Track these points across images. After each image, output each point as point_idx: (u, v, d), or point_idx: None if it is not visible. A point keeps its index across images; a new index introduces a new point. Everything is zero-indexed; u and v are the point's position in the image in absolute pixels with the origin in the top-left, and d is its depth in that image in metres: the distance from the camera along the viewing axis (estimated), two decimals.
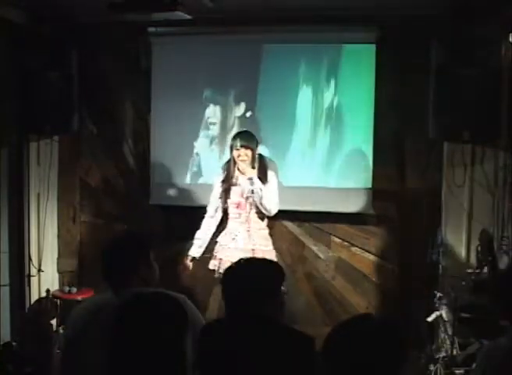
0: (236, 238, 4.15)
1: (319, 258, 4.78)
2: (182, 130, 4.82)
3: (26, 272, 4.78)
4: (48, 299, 4.74)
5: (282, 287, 2.24)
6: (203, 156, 4.86)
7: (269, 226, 4.32)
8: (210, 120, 4.81)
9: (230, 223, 4.21)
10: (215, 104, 4.80)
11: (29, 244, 4.79)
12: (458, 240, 4.31)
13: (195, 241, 4.25)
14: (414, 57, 4.36)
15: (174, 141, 4.84)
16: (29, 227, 4.81)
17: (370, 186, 4.56)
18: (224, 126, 4.81)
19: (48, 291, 4.76)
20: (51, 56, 4.45)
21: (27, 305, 4.77)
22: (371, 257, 4.66)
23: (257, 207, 4.12)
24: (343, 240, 4.73)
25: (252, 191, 4.05)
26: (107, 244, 2.53)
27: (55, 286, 4.98)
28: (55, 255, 5.10)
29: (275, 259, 3.88)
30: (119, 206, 5.05)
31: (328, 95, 4.62)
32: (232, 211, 4.20)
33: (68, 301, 4.59)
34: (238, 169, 4.13)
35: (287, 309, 4.41)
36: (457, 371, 3.65)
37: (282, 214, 4.73)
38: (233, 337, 2.12)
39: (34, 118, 4.45)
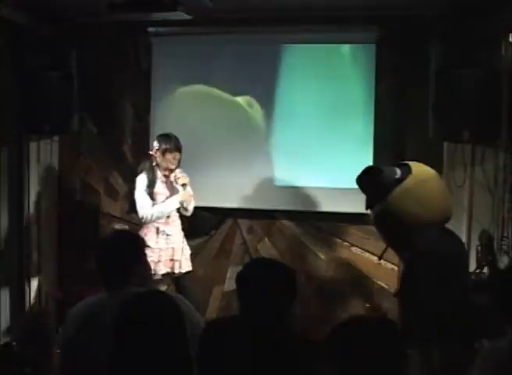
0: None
1: (319, 258, 4.78)
2: (181, 130, 4.82)
3: (26, 272, 4.78)
4: (48, 299, 4.74)
5: None
6: None
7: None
8: None
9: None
10: None
11: (29, 244, 4.80)
12: None
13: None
14: (414, 57, 4.36)
15: None
16: (29, 227, 4.81)
17: None
18: None
19: (48, 291, 4.75)
20: (51, 56, 4.45)
21: (27, 305, 4.77)
22: (371, 257, 4.66)
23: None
24: (343, 240, 4.74)
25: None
26: (103, 243, 2.53)
27: (54, 286, 4.98)
28: (55, 255, 5.09)
29: None
30: (118, 206, 5.05)
31: (328, 95, 4.63)
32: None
33: (68, 301, 4.59)
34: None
35: None
36: None
37: (283, 214, 4.74)
38: (240, 337, 2.11)
39: (34, 118, 4.45)
